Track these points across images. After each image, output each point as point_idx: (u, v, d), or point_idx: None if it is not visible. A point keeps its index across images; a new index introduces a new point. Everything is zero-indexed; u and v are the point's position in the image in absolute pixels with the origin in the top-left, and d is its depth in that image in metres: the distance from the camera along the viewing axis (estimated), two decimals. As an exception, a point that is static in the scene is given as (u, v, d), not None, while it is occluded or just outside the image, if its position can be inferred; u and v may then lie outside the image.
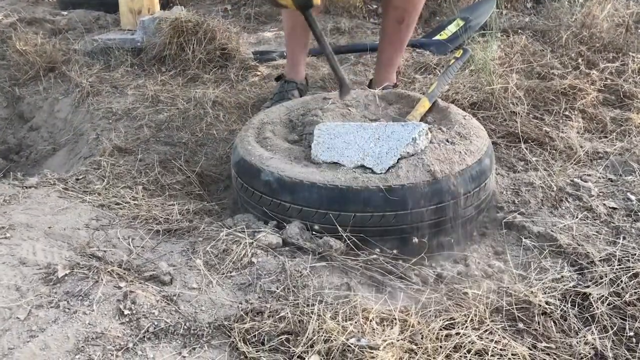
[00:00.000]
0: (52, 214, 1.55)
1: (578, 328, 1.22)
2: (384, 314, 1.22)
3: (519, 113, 2.15)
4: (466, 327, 1.18)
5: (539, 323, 1.22)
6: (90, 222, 1.54)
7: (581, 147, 2.01)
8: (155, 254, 1.43)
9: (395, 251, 1.43)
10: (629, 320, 1.23)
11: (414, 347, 1.13)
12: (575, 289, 1.32)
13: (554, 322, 1.23)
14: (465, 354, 1.12)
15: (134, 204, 1.69)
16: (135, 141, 2.18)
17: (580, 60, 2.56)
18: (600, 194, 1.76)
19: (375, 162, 1.47)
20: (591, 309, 1.26)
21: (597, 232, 1.57)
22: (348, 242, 1.41)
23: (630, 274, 1.34)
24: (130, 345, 1.12)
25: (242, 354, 1.13)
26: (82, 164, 2.07)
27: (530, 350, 1.15)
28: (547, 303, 1.27)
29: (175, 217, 1.61)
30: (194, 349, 1.14)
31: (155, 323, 1.18)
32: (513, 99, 2.21)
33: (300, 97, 2.29)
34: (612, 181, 1.84)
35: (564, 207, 1.70)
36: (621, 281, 1.32)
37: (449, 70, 2.08)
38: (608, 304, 1.27)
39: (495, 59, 2.42)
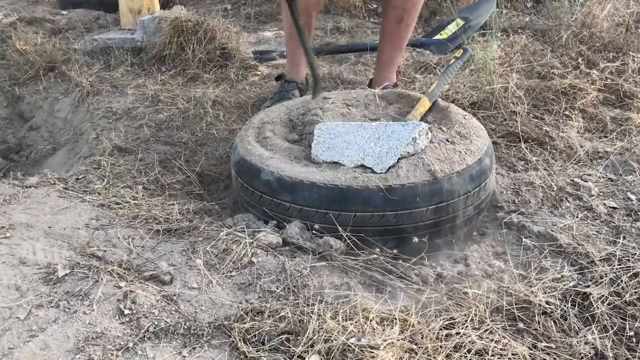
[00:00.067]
0: (52, 213, 1.55)
1: (578, 328, 1.22)
2: (384, 314, 1.22)
3: (519, 113, 2.15)
4: (466, 326, 1.18)
5: (539, 323, 1.22)
6: (90, 222, 1.54)
7: (581, 146, 2.01)
8: (156, 253, 1.43)
9: (395, 251, 1.43)
10: (629, 320, 1.23)
11: (414, 346, 1.13)
12: (576, 288, 1.32)
13: (554, 322, 1.23)
14: (465, 353, 1.12)
15: (134, 203, 1.69)
16: (135, 141, 2.18)
17: (580, 60, 2.56)
18: (601, 193, 1.76)
19: (376, 162, 1.47)
20: (591, 309, 1.26)
21: (597, 231, 1.57)
22: (348, 241, 1.41)
23: (630, 273, 1.34)
24: (131, 345, 1.12)
25: (242, 353, 1.13)
26: (82, 163, 2.07)
27: (531, 350, 1.15)
28: (547, 303, 1.27)
29: (176, 216, 1.61)
30: (194, 348, 1.14)
31: (156, 323, 1.18)
32: (513, 98, 2.21)
33: (301, 96, 2.29)
34: (612, 181, 1.84)
35: (564, 207, 1.70)
36: (621, 281, 1.32)
37: (449, 69, 2.08)
38: (608, 304, 1.27)
39: (495, 59, 2.42)
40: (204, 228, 1.53)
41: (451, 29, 3.18)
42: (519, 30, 3.11)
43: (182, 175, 1.96)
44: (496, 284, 1.37)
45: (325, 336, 1.13)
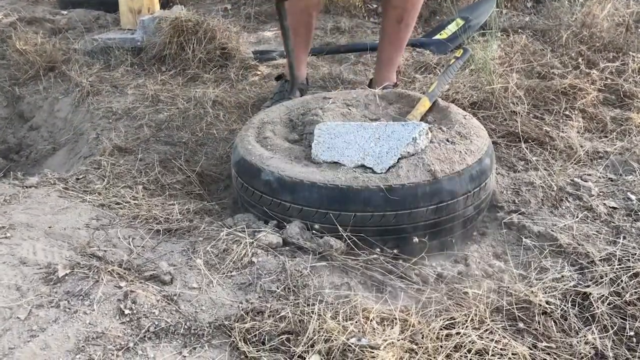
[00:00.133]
0: (53, 213, 1.55)
1: (578, 328, 1.23)
2: (384, 314, 1.22)
3: (519, 113, 2.15)
4: (466, 326, 1.18)
5: (539, 323, 1.22)
6: (91, 222, 1.54)
7: (581, 146, 2.01)
8: (156, 253, 1.43)
9: (395, 251, 1.43)
10: (629, 320, 1.23)
11: (415, 346, 1.13)
12: (576, 288, 1.32)
13: (555, 322, 1.23)
14: (465, 353, 1.12)
15: (134, 203, 1.69)
16: (135, 141, 2.18)
17: (580, 60, 2.56)
18: (601, 193, 1.76)
19: (376, 162, 1.47)
20: (591, 309, 1.26)
21: (597, 231, 1.58)
22: (348, 241, 1.41)
23: (630, 273, 1.34)
24: (131, 344, 1.13)
25: (243, 353, 1.13)
26: (82, 163, 2.07)
27: (531, 349, 1.15)
28: (547, 303, 1.27)
29: (176, 216, 1.61)
30: (195, 348, 1.14)
31: (156, 323, 1.18)
32: (513, 98, 2.21)
33: (301, 96, 2.29)
34: (612, 181, 1.84)
35: (564, 207, 1.70)
36: (621, 281, 1.32)
37: (449, 69, 2.08)
38: (608, 304, 1.27)
39: (495, 59, 2.42)
40: (204, 228, 1.53)
41: (451, 28, 3.18)
42: (519, 30, 3.11)
43: (182, 175, 1.96)
44: (496, 284, 1.37)
45: (325, 336, 1.13)
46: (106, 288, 1.24)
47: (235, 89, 2.64)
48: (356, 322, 1.17)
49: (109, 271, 1.29)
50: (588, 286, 1.33)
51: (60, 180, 1.79)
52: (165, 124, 2.33)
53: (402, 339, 1.14)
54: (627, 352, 1.18)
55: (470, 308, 1.24)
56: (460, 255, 1.53)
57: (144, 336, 1.15)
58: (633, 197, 1.73)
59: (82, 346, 1.11)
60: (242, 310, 1.23)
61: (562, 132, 2.10)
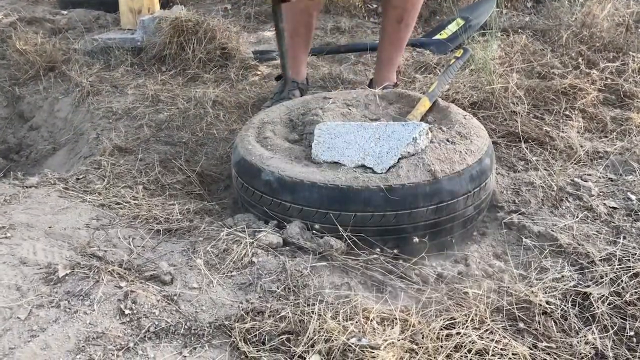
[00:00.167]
0: (53, 213, 1.55)
1: (578, 328, 1.23)
2: (384, 314, 1.22)
3: (519, 113, 2.15)
4: (467, 326, 1.18)
5: (539, 323, 1.22)
6: (91, 222, 1.54)
7: (581, 146, 2.01)
8: (156, 253, 1.43)
9: (395, 251, 1.44)
10: (629, 320, 1.24)
11: (415, 346, 1.13)
12: (576, 288, 1.32)
13: (555, 322, 1.23)
14: (465, 353, 1.12)
15: (135, 203, 1.69)
16: (135, 141, 2.18)
17: (580, 60, 2.56)
18: (601, 193, 1.76)
19: (376, 162, 1.47)
20: (592, 309, 1.26)
21: (597, 231, 1.58)
22: (348, 241, 1.41)
23: (630, 273, 1.34)
24: (131, 345, 1.13)
25: (243, 353, 1.13)
26: (82, 163, 2.07)
27: (531, 349, 1.15)
28: (547, 303, 1.27)
29: (176, 216, 1.61)
30: (195, 348, 1.14)
31: (156, 323, 1.18)
32: (513, 98, 2.21)
33: (301, 96, 2.29)
34: (612, 181, 1.84)
35: (564, 207, 1.70)
36: (621, 281, 1.32)
37: (450, 69, 2.08)
38: (608, 304, 1.27)
39: (495, 59, 2.42)
40: (204, 228, 1.53)
41: (451, 28, 3.18)
42: (519, 30, 3.11)
43: (182, 175, 1.96)
44: (496, 284, 1.37)
45: (325, 336, 1.13)
46: (106, 288, 1.24)
47: (235, 89, 2.64)
48: (356, 322, 1.17)
49: (109, 271, 1.29)
50: (588, 286, 1.33)
51: (61, 180, 1.79)
52: (165, 124, 2.33)
53: (402, 339, 1.14)
54: (627, 352, 1.18)
55: (470, 308, 1.24)
56: (460, 255, 1.53)
57: (144, 336, 1.15)
58: (633, 197, 1.73)
59: (83, 346, 1.11)
60: (243, 310, 1.23)
61: (562, 132, 2.10)
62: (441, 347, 1.13)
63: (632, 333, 1.21)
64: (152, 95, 2.55)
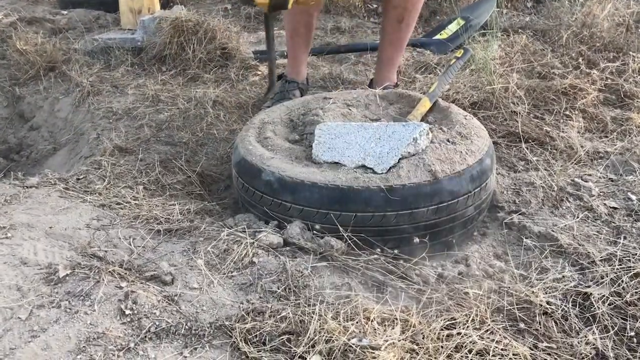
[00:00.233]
0: (53, 213, 1.55)
1: (579, 328, 1.23)
2: (385, 314, 1.22)
3: (519, 113, 2.15)
4: (467, 327, 1.18)
5: (540, 323, 1.22)
6: (91, 222, 1.54)
7: (582, 146, 2.01)
8: (156, 254, 1.43)
9: (396, 251, 1.44)
10: (629, 320, 1.24)
11: (415, 347, 1.13)
12: (576, 288, 1.32)
13: (555, 322, 1.23)
14: (466, 354, 1.12)
15: (135, 203, 1.69)
16: (135, 141, 2.18)
17: (580, 60, 2.56)
18: (601, 193, 1.76)
19: (376, 162, 1.47)
20: (592, 309, 1.26)
21: (597, 232, 1.58)
22: (349, 242, 1.41)
23: (631, 273, 1.34)
24: (132, 345, 1.13)
25: (244, 354, 1.13)
26: (82, 163, 2.07)
27: (532, 350, 1.15)
28: (548, 303, 1.27)
29: (176, 217, 1.61)
30: (195, 349, 1.14)
31: (157, 323, 1.18)
32: (514, 98, 2.21)
33: (301, 96, 2.29)
34: (612, 181, 1.84)
35: (564, 207, 1.70)
36: (622, 281, 1.32)
37: (450, 69, 2.08)
38: (609, 304, 1.27)
39: (495, 59, 2.42)
40: (204, 228, 1.53)
41: (452, 28, 3.18)
42: (520, 30, 3.11)
43: (182, 175, 1.96)
44: (497, 284, 1.37)
45: (326, 336, 1.13)
46: (107, 288, 1.24)
47: (235, 89, 2.64)
48: (357, 322, 1.17)
49: (109, 271, 1.30)
50: (589, 286, 1.33)
51: (61, 180, 1.79)
52: (165, 124, 2.33)
53: (403, 340, 1.14)
54: (627, 352, 1.18)
55: (471, 308, 1.24)
56: (460, 256, 1.53)
57: (145, 336, 1.15)
58: (633, 197, 1.73)
59: (83, 346, 1.11)
60: (243, 310, 1.23)
61: (563, 132, 2.10)
62: (442, 347, 1.13)
63: (632, 333, 1.21)
64: (152, 95, 2.55)
